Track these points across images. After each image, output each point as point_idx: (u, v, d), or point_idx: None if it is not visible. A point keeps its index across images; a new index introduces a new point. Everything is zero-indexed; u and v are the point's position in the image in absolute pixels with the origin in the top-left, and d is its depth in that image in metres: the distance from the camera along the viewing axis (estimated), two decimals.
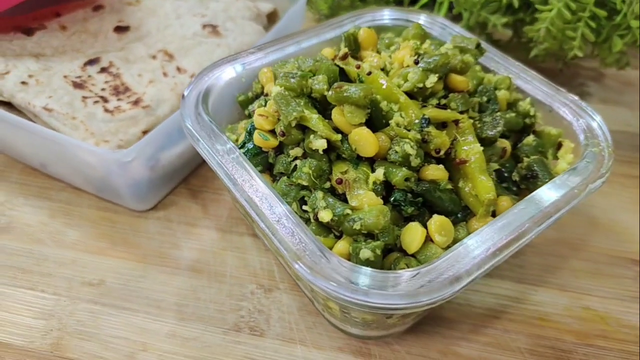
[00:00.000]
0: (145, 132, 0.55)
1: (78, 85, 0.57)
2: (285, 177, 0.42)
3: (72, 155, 0.51)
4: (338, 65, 0.44)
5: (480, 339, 0.47)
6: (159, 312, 0.48)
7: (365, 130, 0.40)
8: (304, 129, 0.42)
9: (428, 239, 0.39)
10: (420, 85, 0.42)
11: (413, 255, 0.39)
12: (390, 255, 0.40)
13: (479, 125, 0.44)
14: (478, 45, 0.51)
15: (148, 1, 0.68)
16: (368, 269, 0.34)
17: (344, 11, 0.73)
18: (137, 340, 0.46)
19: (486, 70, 0.53)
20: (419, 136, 0.40)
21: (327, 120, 0.41)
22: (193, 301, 0.49)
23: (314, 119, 0.40)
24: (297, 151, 0.42)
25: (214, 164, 0.42)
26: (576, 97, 0.48)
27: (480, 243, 0.37)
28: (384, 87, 0.41)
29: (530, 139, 0.47)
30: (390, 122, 0.41)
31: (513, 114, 0.47)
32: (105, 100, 0.56)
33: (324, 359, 0.46)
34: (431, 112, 0.41)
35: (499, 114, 0.45)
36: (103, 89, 0.58)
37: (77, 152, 0.50)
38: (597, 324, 0.49)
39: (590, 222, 0.57)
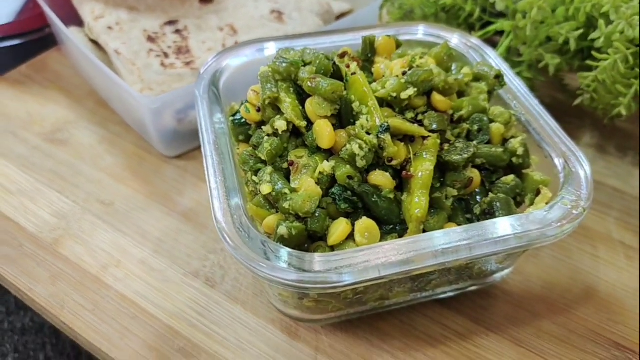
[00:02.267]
0: None
1: (151, 39, 0.67)
2: (250, 148, 0.46)
3: (119, 94, 0.61)
4: (334, 63, 0.47)
5: (406, 359, 0.47)
6: (142, 240, 0.55)
7: (326, 123, 0.42)
8: (279, 109, 0.45)
9: (352, 238, 0.41)
10: (395, 94, 0.43)
11: (332, 248, 0.41)
12: (315, 244, 0.42)
13: (446, 148, 0.44)
14: (498, 76, 0.50)
15: None
16: (281, 248, 0.38)
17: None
18: (115, 257, 0.54)
19: (503, 103, 0.51)
20: (375, 141, 0.41)
21: (302, 108, 0.45)
22: (172, 241, 0.55)
23: (287, 102, 0.44)
24: (268, 128, 0.45)
25: (199, 125, 0.47)
26: (577, 149, 0.45)
27: (394, 251, 0.37)
28: (361, 89, 0.43)
29: (510, 177, 0.45)
30: (357, 122, 0.43)
31: (500, 149, 0.45)
32: (166, 56, 0.65)
33: (255, 324, 0.49)
34: (394, 122, 0.42)
35: (474, 143, 0.44)
36: (169, 47, 0.66)
37: (123, 93, 0.59)
38: None
39: (587, 290, 0.53)
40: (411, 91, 0.43)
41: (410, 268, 0.37)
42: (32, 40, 0.78)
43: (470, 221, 0.45)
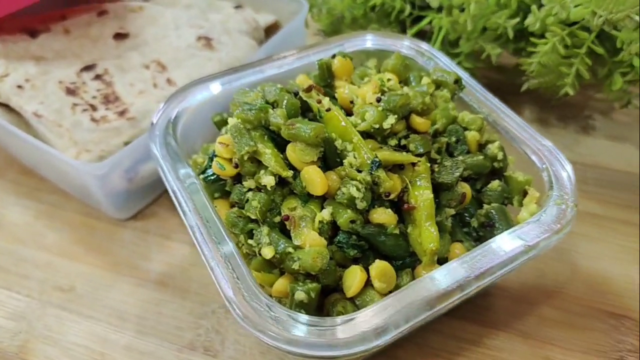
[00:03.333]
0: (127, 144, 0.56)
1: (71, 92, 0.59)
2: (235, 208, 0.42)
3: (52, 163, 0.54)
4: (301, 98, 0.44)
5: None
6: (120, 323, 0.50)
7: (315, 169, 0.40)
8: (259, 161, 0.42)
9: (369, 284, 0.39)
10: (377, 126, 0.41)
11: (352, 299, 0.39)
12: (332, 296, 0.40)
13: (437, 169, 0.43)
14: (457, 81, 0.50)
15: (151, 9, 0.69)
16: (303, 316, 0.35)
17: (345, 29, 0.72)
18: (96, 350, 0.48)
19: (465, 105, 0.51)
20: (368, 178, 0.39)
21: (282, 155, 0.42)
22: (154, 315, 0.51)
23: (267, 154, 0.41)
24: (250, 183, 0.42)
25: (170, 191, 0.43)
26: (550, 143, 0.46)
27: (418, 292, 0.36)
28: (341, 125, 0.41)
29: (495, 183, 0.45)
30: (344, 161, 0.41)
31: (481, 157, 0.46)
32: (94, 108, 0.58)
33: None
34: (383, 154, 0.40)
35: (460, 158, 0.44)
36: (94, 97, 0.60)
37: (56, 162, 0.52)
38: None
39: (572, 268, 0.55)
40: (392, 119, 0.41)
41: (435, 310, 0.36)
42: None
43: (469, 235, 0.44)
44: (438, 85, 0.50)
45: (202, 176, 0.45)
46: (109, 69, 0.62)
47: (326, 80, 0.49)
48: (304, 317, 0.36)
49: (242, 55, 0.64)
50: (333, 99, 0.49)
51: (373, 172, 0.39)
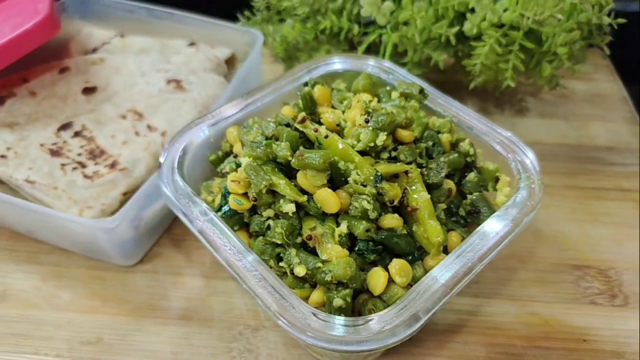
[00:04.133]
0: (125, 194, 0.59)
1: (55, 153, 0.61)
2: (261, 237, 0.47)
3: (58, 225, 0.55)
4: (297, 129, 0.49)
5: (444, 354, 0.54)
6: None
7: (327, 191, 0.45)
8: (273, 192, 0.47)
9: (390, 280, 0.45)
10: (372, 144, 0.47)
11: (379, 297, 0.45)
12: (360, 297, 0.46)
13: (425, 172, 0.50)
14: (421, 91, 0.57)
15: (112, 60, 0.71)
16: (341, 319, 0.40)
17: (299, 53, 0.77)
18: None
19: (428, 109, 0.59)
20: (374, 191, 0.46)
21: (292, 182, 0.47)
22: (187, 348, 0.54)
23: (281, 184, 0.46)
24: (269, 212, 0.47)
25: (195, 231, 0.47)
26: (510, 134, 0.55)
27: (435, 281, 0.43)
28: (340, 148, 0.47)
29: (472, 175, 0.53)
30: (348, 179, 0.47)
31: (456, 155, 0.53)
32: (83, 165, 0.60)
33: None
34: (383, 167, 0.47)
35: (442, 159, 0.51)
36: (79, 154, 0.61)
37: (63, 223, 0.54)
38: (541, 327, 0.56)
39: (535, 235, 0.65)
40: (383, 137, 0.48)
41: (453, 292, 0.43)
42: None
43: (457, 222, 0.52)
44: (405, 96, 0.57)
45: (219, 213, 0.49)
46: (86, 125, 0.64)
47: (310, 108, 0.55)
48: (341, 319, 0.41)
49: (213, 92, 0.68)
50: (318, 123, 0.55)
51: (377, 185, 0.45)
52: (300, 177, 0.46)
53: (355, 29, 0.73)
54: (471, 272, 0.44)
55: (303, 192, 0.47)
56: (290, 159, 0.46)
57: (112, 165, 0.60)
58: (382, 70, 0.61)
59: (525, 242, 0.64)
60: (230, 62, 0.79)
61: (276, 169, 0.47)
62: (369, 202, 0.45)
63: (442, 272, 0.44)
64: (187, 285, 0.59)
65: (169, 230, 0.65)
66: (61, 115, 0.65)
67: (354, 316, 0.44)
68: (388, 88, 0.59)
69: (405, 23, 0.67)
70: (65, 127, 0.64)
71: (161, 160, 0.52)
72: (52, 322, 0.56)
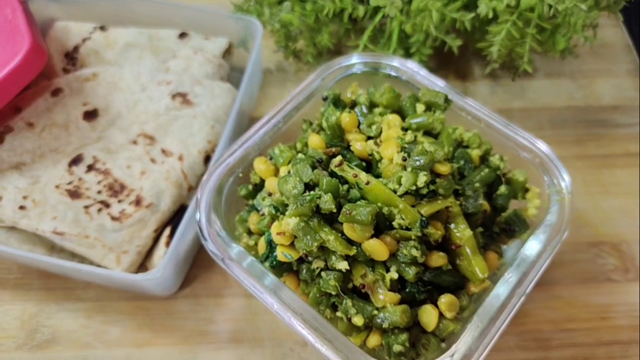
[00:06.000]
0: (156, 230, 0.59)
1: (74, 195, 0.59)
2: (315, 289, 0.48)
3: (102, 278, 0.56)
4: (334, 173, 0.49)
5: None
6: None
7: (376, 242, 0.46)
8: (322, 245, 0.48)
9: (440, 315, 0.48)
10: (414, 187, 0.48)
11: (432, 332, 0.48)
12: (411, 333, 0.49)
13: (462, 202, 0.51)
14: (446, 99, 0.56)
15: (106, 73, 0.66)
16: None
17: (299, 36, 0.73)
18: None
19: (452, 113, 0.58)
20: (419, 234, 0.47)
21: (339, 234, 0.47)
22: None
23: (330, 240, 0.46)
24: (319, 263, 0.48)
25: (250, 287, 0.48)
26: (545, 147, 0.55)
27: (484, 316, 0.46)
28: (384, 195, 0.47)
29: (503, 188, 0.54)
30: (393, 223, 0.47)
31: (487, 170, 0.54)
32: (106, 205, 0.59)
33: None
34: (426, 209, 0.47)
35: (477, 183, 0.52)
36: (99, 192, 0.60)
37: (108, 277, 0.55)
38: (565, 310, 0.61)
39: None
40: (423, 177, 0.48)
41: (504, 322, 0.47)
42: None
43: (491, 238, 0.54)
44: (429, 106, 0.56)
45: (266, 263, 0.50)
46: (97, 156, 0.61)
47: (339, 137, 0.54)
48: None
49: (222, 102, 0.65)
50: (347, 149, 0.54)
51: (424, 230, 0.47)
52: (348, 230, 0.47)
53: (360, 9, 0.68)
54: (517, 303, 0.47)
55: (349, 241, 0.48)
56: (334, 210, 0.47)
57: (137, 202, 0.59)
58: (401, 72, 0.59)
59: None
60: (227, 51, 0.74)
61: (321, 221, 0.48)
62: (417, 248, 0.46)
63: (494, 301, 0.47)
64: (231, 307, 0.62)
65: (200, 251, 0.65)
66: (68, 148, 0.62)
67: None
68: (408, 96, 0.57)
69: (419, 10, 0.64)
70: (75, 161, 0.61)
71: (197, 217, 0.51)
72: (108, 359, 0.59)
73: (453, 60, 0.60)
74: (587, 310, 0.61)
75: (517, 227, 0.53)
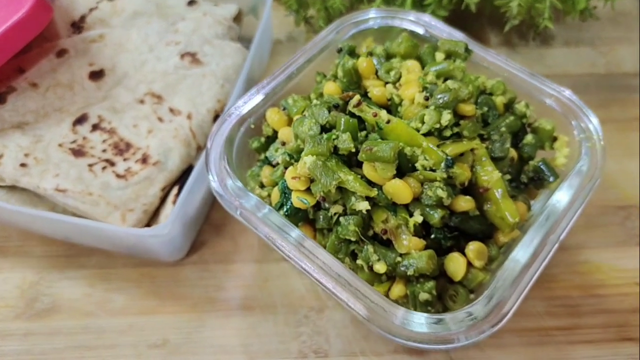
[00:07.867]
0: (163, 189, 0.56)
1: (78, 153, 0.56)
2: (333, 236, 0.45)
3: (105, 236, 0.53)
4: (352, 113, 0.46)
5: None
6: (229, 357, 0.53)
7: (399, 182, 0.43)
8: (340, 187, 0.45)
9: (468, 264, 0.45)
10: (437, 125, 0.45)
11: (460, 282, 0.45)
12: (438, 283, 0.46)
13: (489, 146, 0.48)
14: (466, 48, 0.53)
15: (113, 35, 0.64)
16: (432, 317, 0.40)
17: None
18: None
19: (473, 65, 0.55)
20: (445, 176, 0.44)
21: (357, 172, 0.44)
22: (255, 338, 0.54)
23: (350, 180, 0.43)
24: (337, 208, 0.45)
25: (264, 235, 0.45)
26: (568, 91, 0.52)
27: (517, 263, 0.43)
28: (406, 133, 0.44)
29: (529, 137, 0.51)
30: (416, 165, 0.44)
31: (512, 117, 0.51)
32: (111, 163, 0.56)
33: None
34: (450, 150, 0.45)
35: (503, 128, 0.49)
36: (104, 150, 0.57)
37: (112, 234, 0.52)
38: (594, 275, 0.58)
39: None
40: (447, 116, 0.45)
41: (535, 273, 0.43)
42: None
43: (518, 189, 0.51)
44: (449, 55, 0.54)
45: (281, 211, 0.47)
46: (102, 115, 0.59)
47: (355, 83, 0.51)
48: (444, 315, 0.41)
49: (232, 62, 0.63)
50: (364, 96, 0.52)
51: (449, 170, 0.44)
52: (368, 170, 0.44)
53: None
54: (550, 251, 0.44)
55: (370, 183, 0.45)
56: (353, 150, 0.44)
57: (144, 160, 0.56)
58: (419, 25, 0.57)
59: None
60: (237, 18, 0.72)
61: (340, 162, 0.45)
62: (443, 189, 0.43)
63: (522, 252, 0.43)
64: (241, 273, 0.58)
65: (208, 217, 0.62)
66: (72, 107, 0.60)
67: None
68: (426, 46, 0.55)
69: None
70: (80, 120, 0.59)
71: (209, 163, 0.48)
72: (112, 328, 0.55)
73: (468, 26, 0.57)
74: (617, 276, 0.57)
75: (546, 176, 0.49)
